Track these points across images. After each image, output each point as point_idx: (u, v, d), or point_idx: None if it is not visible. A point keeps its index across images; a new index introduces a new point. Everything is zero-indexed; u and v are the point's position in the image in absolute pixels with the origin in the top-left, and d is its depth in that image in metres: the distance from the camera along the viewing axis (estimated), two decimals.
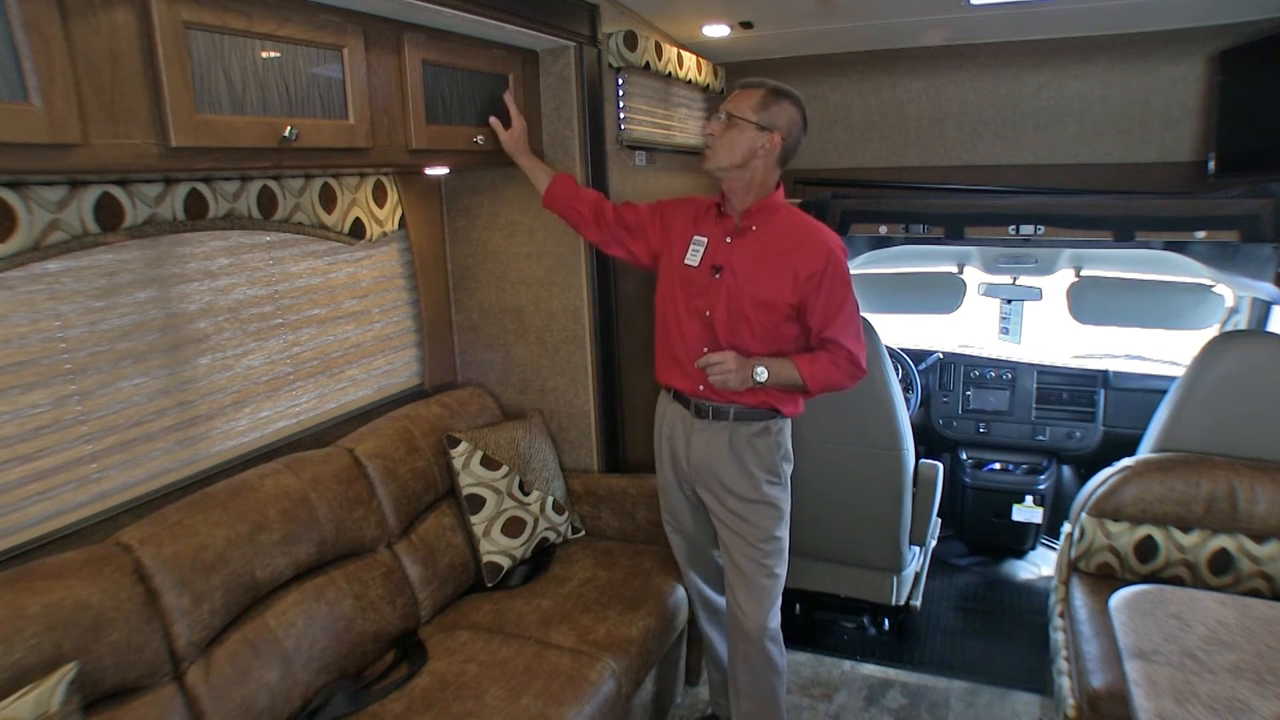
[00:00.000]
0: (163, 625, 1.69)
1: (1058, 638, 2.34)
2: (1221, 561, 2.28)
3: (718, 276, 2.14)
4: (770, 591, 2.25)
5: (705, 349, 2.15)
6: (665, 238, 2.27)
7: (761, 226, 2.14)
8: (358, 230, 2.46)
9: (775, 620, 2.27)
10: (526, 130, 2.42)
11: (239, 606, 1.87)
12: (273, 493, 2.00)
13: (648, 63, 2.81)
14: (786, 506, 2.26)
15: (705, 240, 2.19)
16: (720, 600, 2.48)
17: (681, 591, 2.51)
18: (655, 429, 2.37)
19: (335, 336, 2.48)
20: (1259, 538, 2.24)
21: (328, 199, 2.34)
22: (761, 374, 2.05)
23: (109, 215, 1.74)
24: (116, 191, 1.75)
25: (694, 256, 2.19)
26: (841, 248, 2.12)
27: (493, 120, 2.34)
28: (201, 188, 1.95)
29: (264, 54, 1.66)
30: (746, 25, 2.96)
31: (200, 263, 2.06)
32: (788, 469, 2.25)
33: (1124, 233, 2.53)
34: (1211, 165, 2.98)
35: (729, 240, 2.16)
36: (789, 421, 2.25)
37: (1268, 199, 2.30)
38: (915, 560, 3.18)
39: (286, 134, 1.69)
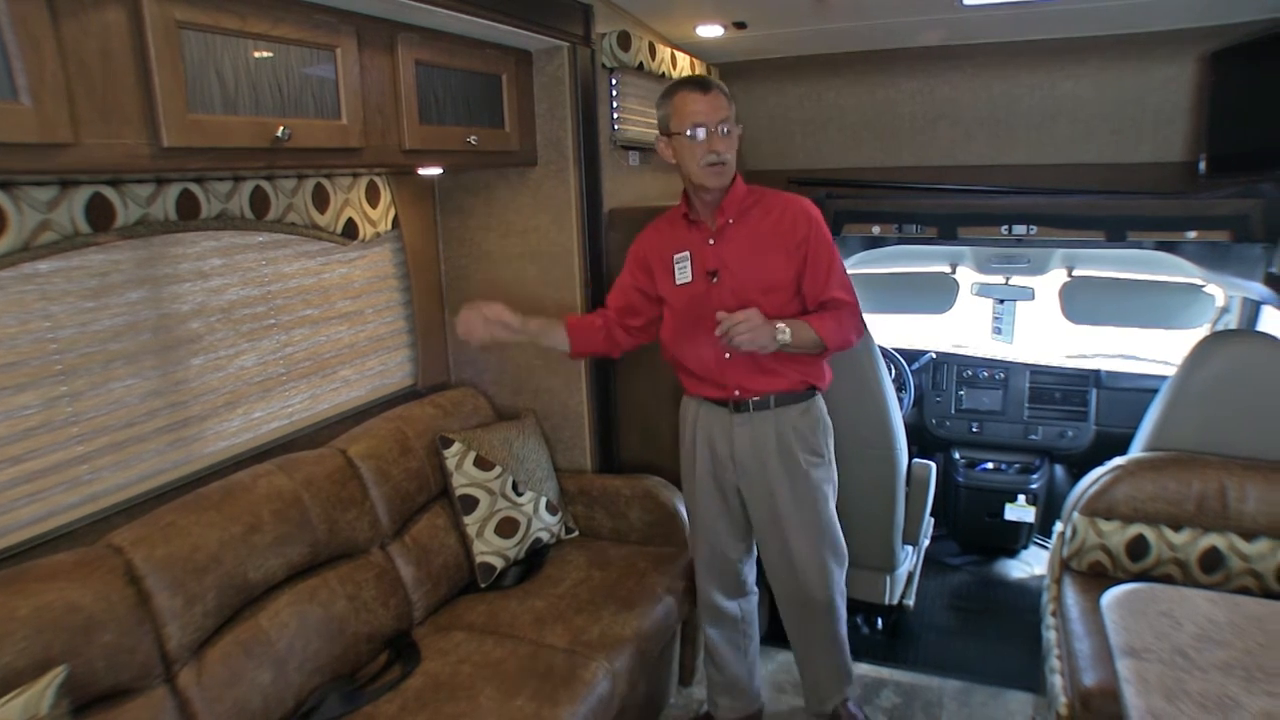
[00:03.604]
0: (154, 627, 1.69)
1: (1050, 636, 2.35)
2: (1212, 560, 2.29)
3: (715, 280, 2.14)
4: (831, 565, 2.34)
5: (728, 355, 2.17)
6: (651, 280, 2.26)
7: (736, 217, 2.15)
8: (351, 231, 2.46)
9: (837, 586, 2.38)
10: (502, 310, 2.14)
11: (231, 608, 1.86)
12: (265, 494, 1.99)
13: (641, 63, 2.81)
14: (833, 482, 2.33)
15: (688, 253, 2.18)
16: (730, 606, 2.49)
17: (676, 591, 2.51)
18: (682, 434, 2.38)
19: (328, 337, 2.48)
20: (1249, 536, 2.25)
21: (320, 199, 2.34)
22: (785, 333, 2.02)
23: (100, 215, 1.74)
24: (108, 191, 1.75)
25: (683, 274, 2.18)
26: (813, 206, 2.14)
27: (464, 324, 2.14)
28: (194, 188, 1.94)
29: (257, 54, 1.66)
30: (740, 25, 2.96)
31: (193, 263, 2.05)
32: (830, 442, 2.30)
33: (1116, 233, 2.54)
34: (1202, 166, 3.00)
35: (712, 242, 2.16)
36: (821, 396, 2.29)
37: (1258, 199, 2.31)
38: (908, 559, 3.19)
39: (279, 134, 1.69)
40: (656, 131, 3.09)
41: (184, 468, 2.06)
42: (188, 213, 1.94)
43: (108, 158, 1.41)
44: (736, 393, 2.21)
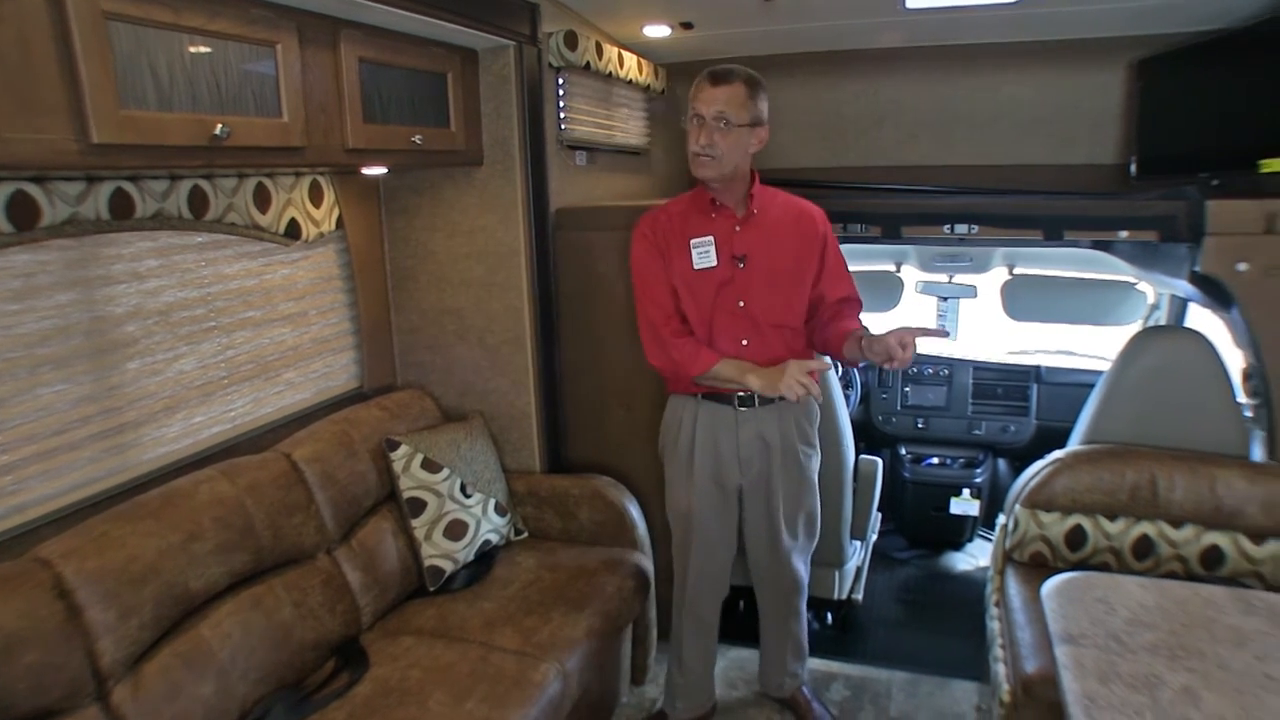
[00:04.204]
0: (85, 643, 1.61)
1: (994, 626, 2.41)
2: (1144, 547, 2.37)
3: (742, 266, 2.18)
4: (807, 545, 2.51)
5: (744, 341, 2.22)
6: (670, 266, 2.24)
7: (761, 208, 2.21)
8: (293, 231, 2.41)
9: (808, 563, 2.56)
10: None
11: (171, 619, 1.80)
12: (207, 500, 1.94)
13: (588, 63, 2.81)
14: (817, 467, 2.43)
15: (711, 237, 2.20)
16: (715, 612, 2.54)
17: (626, 590, 2.51)
18: (673, 440, 2.36)
19: (271, 339, 2.42)
20: (1176, 523, 2.35)
21: (262, 199, 2.29)
22: None
23: (24, 214, 1.67)
24: (32, 189, 1.68)
25: (706, 258, 2.19)
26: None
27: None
28: (128, 186, 1.88)
29: (193, 49, 1.61)
30: (687, 26, 2.97)
31: (127, 264, 1.98)
32: (816, 429, 2.40)
33: (1053, 232, 2.62)
34: (1133, 168, 3.11)
35: (738, 229, 2.19)
36: None
37: (1182, 201, 2.40)
38: (857, 555, 3.24)
39: (218, 132, 1.64)
40: (610, 131, 3.14)
41: (120, 475, 1.99)
42: (121, 212, 1.88)
43: (31, 153, 1.36)
44: None
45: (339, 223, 2.61)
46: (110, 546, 1.71)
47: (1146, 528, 2.37)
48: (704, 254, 2.19)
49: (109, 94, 1.43)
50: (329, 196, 2.55)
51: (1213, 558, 2.32)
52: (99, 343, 1.92)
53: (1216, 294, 2.39)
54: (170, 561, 1.79)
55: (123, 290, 1.97)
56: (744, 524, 2.45)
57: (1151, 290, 3.63)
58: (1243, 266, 2.30)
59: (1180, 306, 3.52)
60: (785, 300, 2.22)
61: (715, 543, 2.42)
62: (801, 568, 2.52)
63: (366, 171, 2.55)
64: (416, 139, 2.27)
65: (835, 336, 2.22)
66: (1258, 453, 2.42)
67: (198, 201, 2.08)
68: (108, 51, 1.43)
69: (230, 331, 2.28)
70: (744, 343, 2.22)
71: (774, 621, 2.61)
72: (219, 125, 1.64)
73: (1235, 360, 2.48)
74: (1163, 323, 3.62)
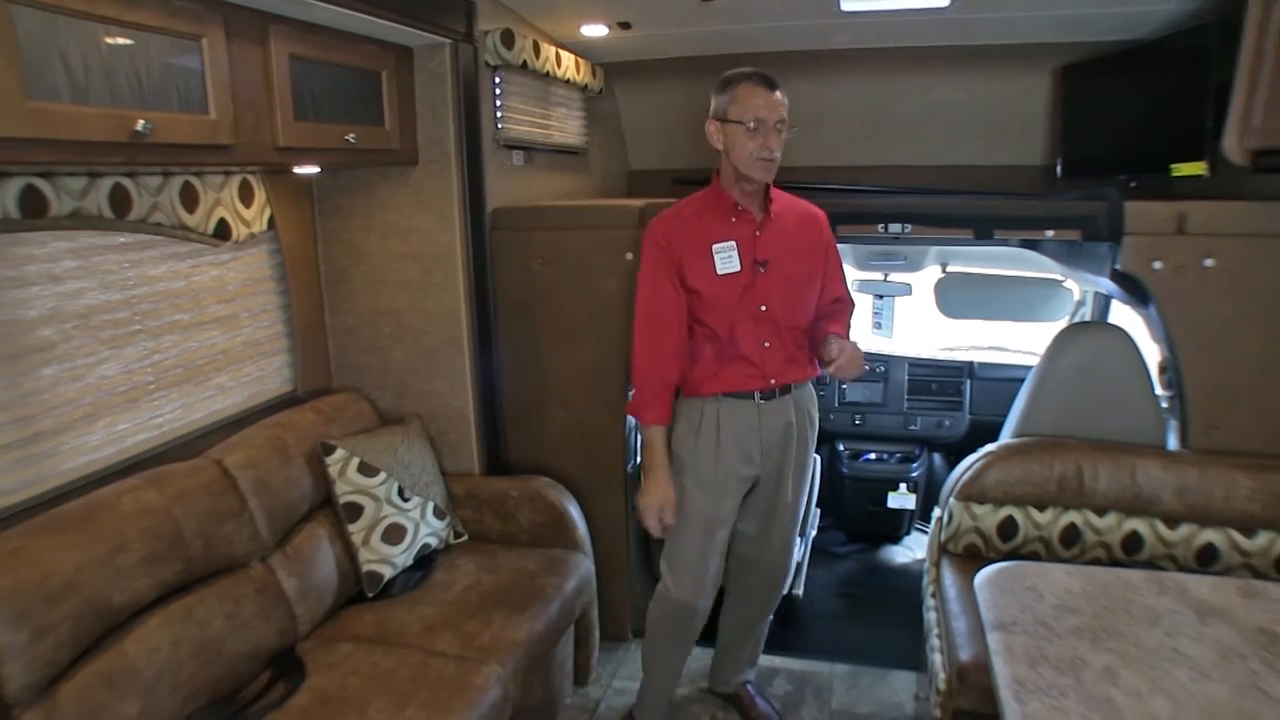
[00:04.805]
0: None
1: (930, 617, 2.47)
2: (1070, 535, 2.46)
3: (763, 270, 2.19)
4: (796, 538, 2.55)
5: (767, 343, 2.23)
6: (689, 272, 2.21)
7: (777, 212, 2.24)
8: (223, 231, 2.34)
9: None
10: (668, 494, 2.26)
11: (92, 636, 1.72)
12: (132, 510, 1.86)
13: (525, 61, 2.79)
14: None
15: (734, 242, 2.19)
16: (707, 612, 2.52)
17: (567, 591, 2.50)
18: (697, 439, 2.29)
19: (200, 343, 2.35)
20: (1100, 511, 2.44)
21: (189, 198, 2.21)
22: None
23: None
24: None
25: (729, 263, 2.19)
26: None
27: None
28: (40, 183, 1.79)
29: (110, 40, 1.55)
30: (625, 26, 2.97)
31: (42, 265, 1.89)
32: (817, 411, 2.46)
33: (984, 231, 2.68)
34: (1059, 169, 3.22)
35: (758, 234, 2.21)
36: None
37: (1103, 202, 2.49)
38: (797, 550, 3.28)
39: (139, 128, 1.58)
40: (548, 131, 3.12)
41: (35, 487, 1.90)
42: (33, 211, 1.79)
43: None
44: (772, 382, 2.25)
45: (271, 223, 2.54)
46: (23, 562, 1.63)
47: (1073, 516, 2.46)
48: (727, 259, 2.18)
49: (12, 84, 1.37)
50: (260, 196, 2.48)
51: (1133, 543, 2.42)
52: (10, 348, 1.83)
53: (1135, 291, 2.48)
54: (91, 576, 1.71)
55: (37, 293, 1.88)
56: (743, 515, 2.41)
57: (1077, 287, 3.76)
58: (1158, 265, 2.40)
59: (1104, 303, 3.65)
60: (802, 302, 2.27)
61: (718, 541, 2.39)
62: (791, 560, 2.55)
63: (298, 171, 2.49)
64: (350, 138, 2.23)
65: (820, 336, 2.28)
66: (1172, 441, 2.53)
67: (120, 200, 2.00)
68: (10, 39, 1.36)
69: (157, 335, 2.21)
70: (766, 345, 2.23)
71: (746, 618, 2.62)
72: (141, 121, 1.59)
73: (1153, 354, 2.59)
74: (1088, 318, 3.75)
